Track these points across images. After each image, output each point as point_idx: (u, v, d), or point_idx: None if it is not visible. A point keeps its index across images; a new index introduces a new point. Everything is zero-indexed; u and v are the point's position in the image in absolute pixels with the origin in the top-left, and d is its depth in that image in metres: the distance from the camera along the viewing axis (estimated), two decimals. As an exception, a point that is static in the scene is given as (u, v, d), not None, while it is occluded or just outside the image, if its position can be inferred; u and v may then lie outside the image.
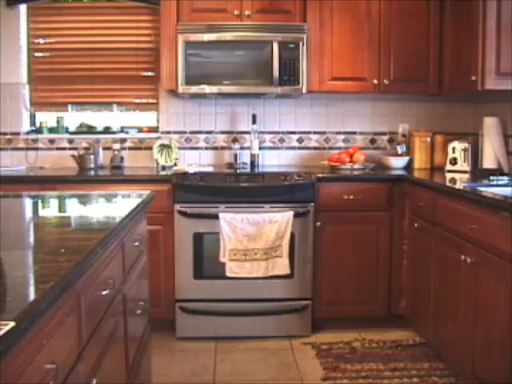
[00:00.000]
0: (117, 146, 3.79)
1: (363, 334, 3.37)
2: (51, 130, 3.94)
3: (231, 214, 3.17)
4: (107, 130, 3.98)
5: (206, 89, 3.47)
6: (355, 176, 3.42)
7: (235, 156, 3.85)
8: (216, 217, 3.17)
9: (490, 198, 2.35)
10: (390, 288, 3.40)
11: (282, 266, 3.20)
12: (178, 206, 3.25)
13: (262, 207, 3.24)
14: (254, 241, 3.17)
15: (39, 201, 2.39)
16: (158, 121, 3.96)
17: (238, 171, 3.54)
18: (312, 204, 3.27)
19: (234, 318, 3.30)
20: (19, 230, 1.77)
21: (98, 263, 1.50)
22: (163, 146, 3.75)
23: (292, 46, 3.43)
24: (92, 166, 3.66)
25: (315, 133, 3.97)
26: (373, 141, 3.98)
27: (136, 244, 2.13)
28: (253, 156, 3.78)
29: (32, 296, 1.02)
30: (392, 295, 3.41)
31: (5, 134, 3.87)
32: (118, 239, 1.77)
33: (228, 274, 3.17)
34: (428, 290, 3.00)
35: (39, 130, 3.94)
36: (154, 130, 3.97)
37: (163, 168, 3.66)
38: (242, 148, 3.88)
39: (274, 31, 3.43)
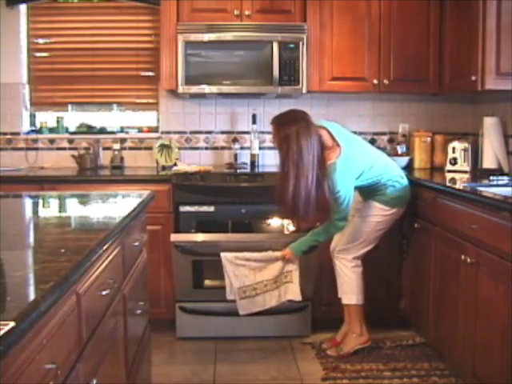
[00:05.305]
0: (117, 146, 3.79)
1: (363, 333, 3.36)
2: (51, 130, 3.94)
3: (233, 253, 2.99)
4: (107, 130, 3.98)
5: (206, 89, 3.47)
6: (355, 176, 3.41)
7: (235, 156, 3.85)
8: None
9: (490, 198, 2.35)
10: (389, 288, 3.40)
11: (293, 291, 3.01)
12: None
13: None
14: (261, 272, 2.99)
15: (39, 201, 2.39)
16: (158, 121, 3.96)
17: (238, 171, 3.54)
18: (312, 204, 3.27)
19: (234, 318, 3.29)
20: (19, 229, 1.77)
21: (98, 263, 1.50)
22: (163, 146, 3.75)
23: (292, 46, 3.43)
24: (92, 165, 3.66)
25: (315, 133, 3.97)
26: (373, 141, 3.98)
27: (136, 244, 2.13)
28: (253, 156, 3.78)
29: (32, 296, 1.02)
30: (392, 295, 3.40)
31: (5, 134, 3.86)
32: (118, 239, 1.77)
33: (241, 312, 2.99)
34: (428, 290, 2.99)
35: (39, 130, 3.94)
36: (154, 130, 3.97)
37: (163, 168, 3.66)
38: (242, 148, 3.88)
39: (274, 31, 3.43)
